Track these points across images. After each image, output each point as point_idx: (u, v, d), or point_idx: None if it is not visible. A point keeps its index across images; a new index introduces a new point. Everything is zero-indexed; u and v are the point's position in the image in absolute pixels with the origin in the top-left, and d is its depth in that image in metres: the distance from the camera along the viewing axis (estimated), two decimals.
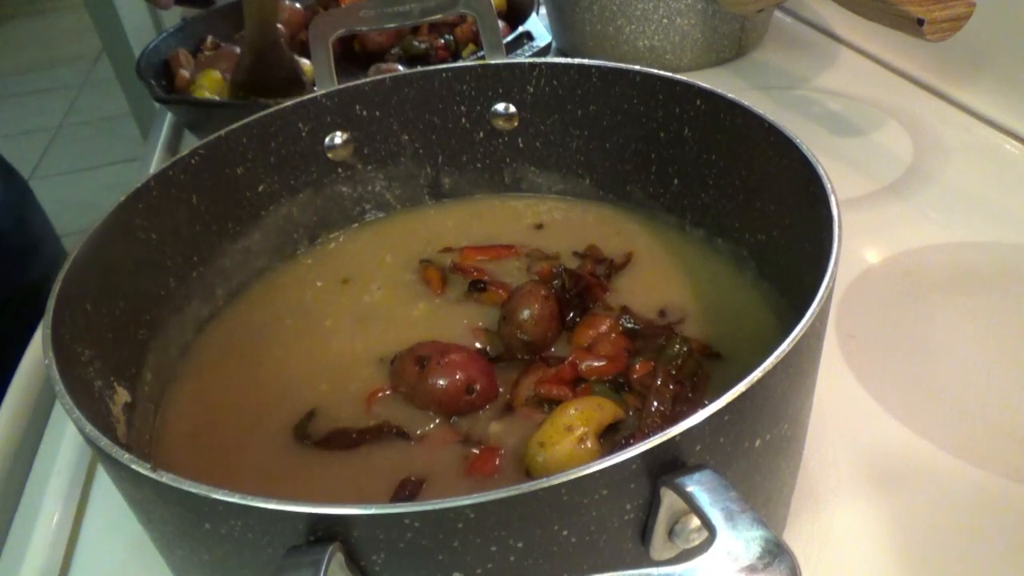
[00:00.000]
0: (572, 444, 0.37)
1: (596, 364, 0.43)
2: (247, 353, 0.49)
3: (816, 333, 0.32)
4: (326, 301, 0.53)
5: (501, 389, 0.44)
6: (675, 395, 0.41)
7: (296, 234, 0.57)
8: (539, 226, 0.57)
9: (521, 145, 0.58)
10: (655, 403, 0.40)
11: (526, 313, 0.45)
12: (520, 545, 0.26)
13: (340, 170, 0.57)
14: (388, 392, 0.44)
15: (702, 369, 0.43)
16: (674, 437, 0.26)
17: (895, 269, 0.58)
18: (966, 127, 0.75)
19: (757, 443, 0.30)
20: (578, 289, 0.48)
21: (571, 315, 0.47)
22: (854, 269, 0.58)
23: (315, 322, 0.51)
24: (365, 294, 0.53)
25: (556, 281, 0.48)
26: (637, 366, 0.43)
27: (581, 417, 0.38)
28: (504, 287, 0.50)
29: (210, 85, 0.84)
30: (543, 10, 0.96)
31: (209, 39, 0.96)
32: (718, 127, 0.47)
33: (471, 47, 0.90)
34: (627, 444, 0.26)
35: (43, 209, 0.93)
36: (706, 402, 0.27)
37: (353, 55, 0.94)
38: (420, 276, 0.53)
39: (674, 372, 0.42)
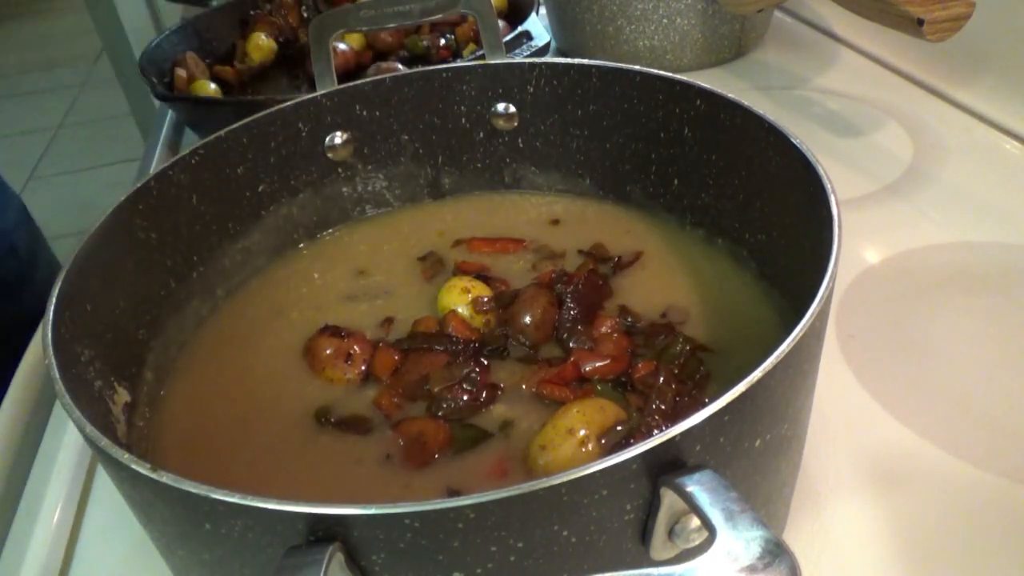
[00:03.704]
0: (574, 447, 0.37)
1: (599, 364, 0.43)
2: (246, 349, 0.49)
3: (816, 333, 0.32)
4: (324, 296, 0.53)
5: (503, 386, 0.44)
6: (677, 394, 0.41)
7: (296, 234, 0.57)
8: (555, 222, 0.57)
9: (521, 145, 0.58)
10: (657, 402, 0.40)
11: (527, 319, 0.46)
12: (520, 545, 0.26)
13: (340, 170, 0.57)
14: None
15: (704, 368, 0.43)
16: (674, 437, 0.26)
17: (895, 269, 0.58)
18: (966, 127, 0.75)
19: (757, 443, 0.30)
20: (583, 299, 0.47)
21: (573, 315, 0.47)
22: (854, 269, 0.58)
23: (313, 317, 0.51)
24: (366, 288, 0.53)
25: (558, 285, 0.48)
26: (640, 365, 0.43)
27: (583, 419, 0.38)
28: (505, 283, 0.50)
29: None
30: (543, 10, 0.96)
31: None
32: (718, 127, 0.47)
33: (471, 47, 0.90)
34: (628, 444, 0.26)
35: (40, 232, 0.90)
36: (707, 401, 0.27)
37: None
38: (421, 271, 0.53)
39: (676, 371, 0.42)
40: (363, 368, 0.46)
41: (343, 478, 0.40)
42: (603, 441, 0.38)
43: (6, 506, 0.50)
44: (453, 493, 0.38)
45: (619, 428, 0.39)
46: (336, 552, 0.25)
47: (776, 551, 0.23)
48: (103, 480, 0.50)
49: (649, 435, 0.26)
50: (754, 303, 0.47)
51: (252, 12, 0.97)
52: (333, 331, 0.47)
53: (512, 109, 0.56)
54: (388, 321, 0.49)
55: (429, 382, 0.43)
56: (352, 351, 0.46)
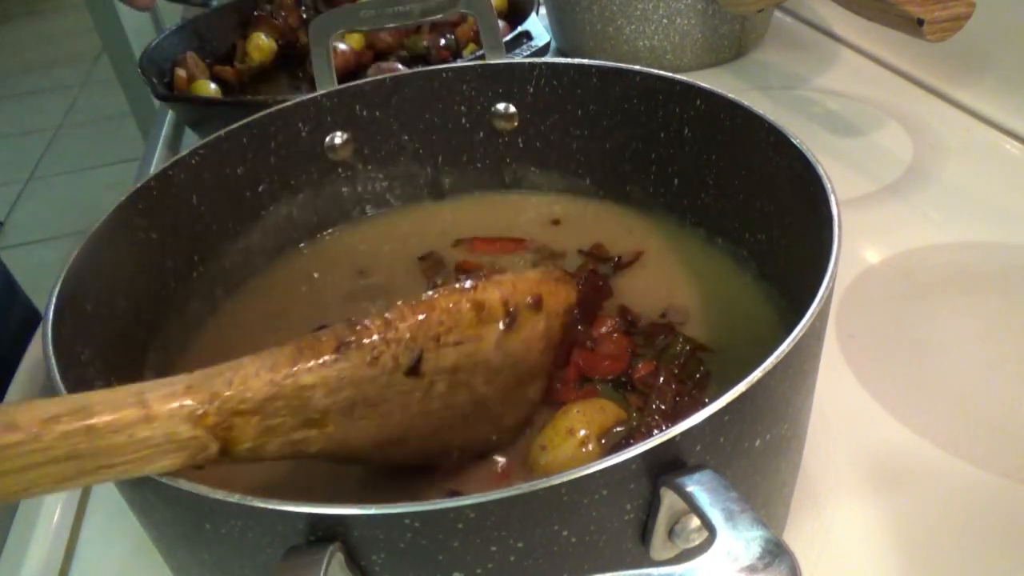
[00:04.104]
0: (574, 448, 0.37)
1: (599, 364, 0.43)
2: (246, 349, 0.49)
3: (816, 333, 0.32)
4: (324, 296, 0.53)
5: None
6: (677, 394, 0.41)
7: (296, 234, 0.57)
8: (556, 221, 0.57)
9: (521, 145, 0.58)
10: (657, 402, 0.40)
11: None
12: (520, 545, 0.26)
13: (340, 170, 0.57)
14: None
15: (704, 368, 0.43)
16: (674, 437, 0.26)
17: (895, 269, 0.58)
18: (966, 127, 0.75)
19: (757, 443, 0.30)
20: (583, 300, 0.47)
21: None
22: (854, 269, 0.58)
23: (313, 317, 0.50)
24: (366, 288, 0.53)
25: None
26: (640, 365, 0.43)
27: (583, 419, 0.38)
28: None
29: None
30: (543, 10, 0.96)
31: None
32: (718, 127, 0.47)
33: (471, 47, 0.90)
34: (628, 444, 0.26)
35: (13, 276, 0.87)
36: (707, 401, 0.27)
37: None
38: (422, 271, 0.53)
39: (676, 371, 0.42)
40: None
41: (343, 476, 0.40)
42: (603, 441, 0.38)
43: (6, 506, 0.50)
44: (453, 493, 0.38)
45: (619, 428, 0.39)
46: (336, 552, 0.25)
47: (776, 551, 0.23)
48: None
49: (649, 435, 0.26)
50: (754, 303, 0.47)
51: (256, 13, 0.97)
52: None
53: (512, 109, 0.56)
54: None
55: None
56: None
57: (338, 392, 0.31)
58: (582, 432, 0.38)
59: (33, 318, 0.83)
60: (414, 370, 0.34)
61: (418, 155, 0.58)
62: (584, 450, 0.37)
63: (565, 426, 0.38)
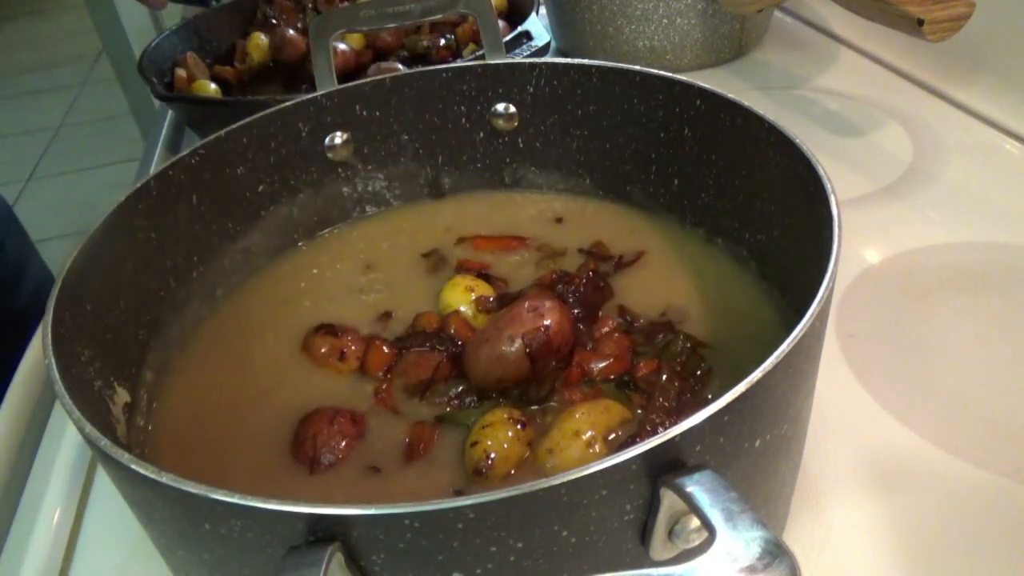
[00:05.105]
0: (581, 449, 0.37)
1: (601, 364, 0.43)
2: (246, 348, 0.49)
3: (816, 333, 0.32)
4: (324, 292, 0.53)
5: None
6: (680, 391, 0.41)
7: (296, 234, 0.57)
8: (557, 220, 0.57)
9: (521, 145, 0.58)
10: (661, 399, 0.40)
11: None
12: (520, 545, 0.26)
13: (340, 170, 0.57)
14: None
15: (705, 365, 0.43)
16: (674, 437, 0.26)
17: (895, 269, 0.58)
18: (966, 127, 0.75)
19: (757, 443, 0.30)
20: (585, 301, 0.47)
21: (576, 316, 0.47)
22: (854, 269, 0.58)
23: (312, 314, 0.50)
24: (368, 284, 0.53)
25: (559, 286, 0.48)
26: (641, 364, 0.43)
27: (588, 421, 0.38)
28: (505, 282, 0.50)
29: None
30: (543, 10, 0.96)
31: None
32: (718, 127, 0.47)
33: (472, 47, 0.90)
34: (634, 443, 0.26)
35: (27, 233, 0.89)
36: (709, 397, 0.27)
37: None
38: (425, 268, 0.54)
39: (678, 369, 0.42)
40: (357, 365, 0.46)
41: (342, 472, 0.40)
42: (610, 439, 0.38)
43: (6, 506, 0.50)
44: (458, 493, 0.38)
45: (624, 428, 0.39)
46: (336, 552, 0.25)
47: (776, 551, 0.23)
48: (103, 480, 0.50)
49: (655, 433, 0.26)
50: (754, 303, 0.47)
51: (273, 21, 0.97)
52: (328, 329, 0.47)
53: (512, 109, 0.56)
54: (386, 316, 0.49)
55: (429, 390, 0.43)
56: (346, 348, 0.46)
57: None
58: (588, 433, 0.38)
59: (49, 279, 0.85)
60: None
61: (418, 155, 0.58)
62: (591, 451, 0.37)
63: (571, 428, 0.38)
